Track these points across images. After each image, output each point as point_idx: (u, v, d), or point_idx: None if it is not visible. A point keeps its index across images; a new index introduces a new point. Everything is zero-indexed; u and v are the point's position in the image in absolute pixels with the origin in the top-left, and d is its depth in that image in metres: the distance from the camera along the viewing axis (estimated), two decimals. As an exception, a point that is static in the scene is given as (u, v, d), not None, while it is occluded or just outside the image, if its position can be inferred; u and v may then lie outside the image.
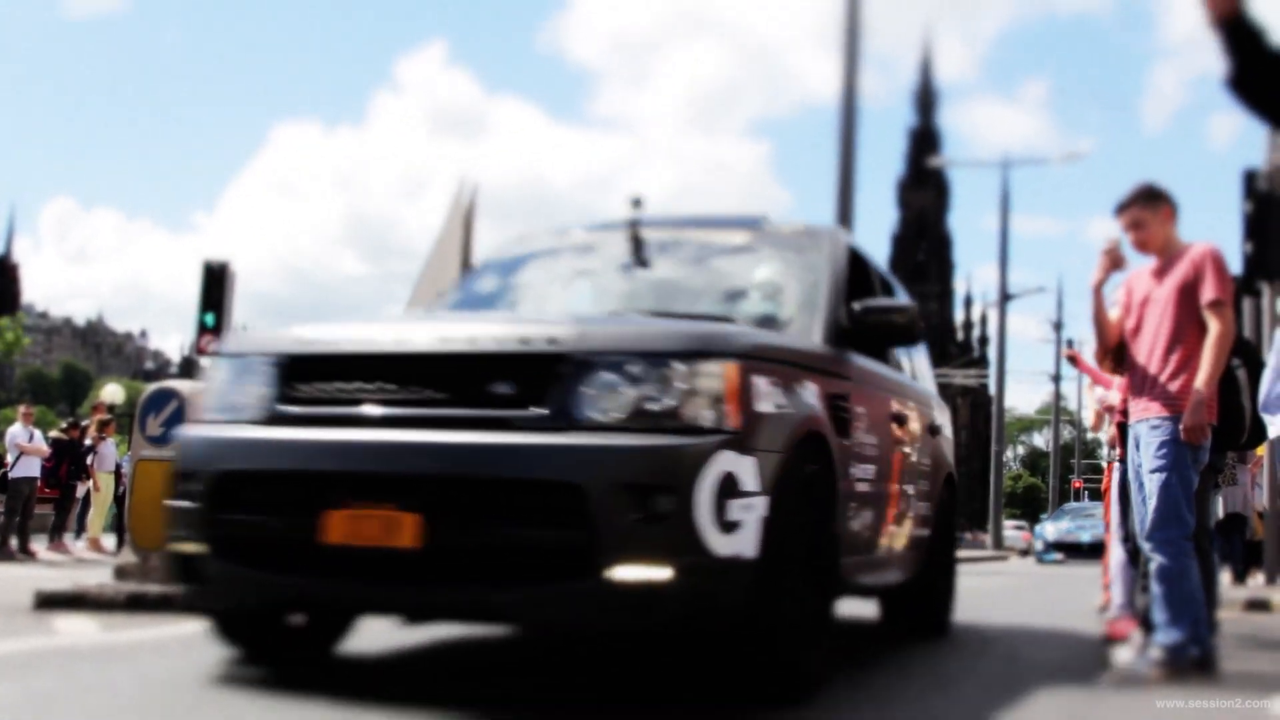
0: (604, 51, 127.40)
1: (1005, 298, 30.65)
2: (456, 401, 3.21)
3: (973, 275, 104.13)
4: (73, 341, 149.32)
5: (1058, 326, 39.45)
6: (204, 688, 3.44)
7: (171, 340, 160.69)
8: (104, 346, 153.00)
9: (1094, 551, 20.22)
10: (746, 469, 3.13)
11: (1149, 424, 4.32)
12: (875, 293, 4.95)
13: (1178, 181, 5.19)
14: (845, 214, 15.47)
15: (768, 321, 4.23)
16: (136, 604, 5.66)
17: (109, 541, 14.95)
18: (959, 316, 71.87)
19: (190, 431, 3.61)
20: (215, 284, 13.33)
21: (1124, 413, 4.79)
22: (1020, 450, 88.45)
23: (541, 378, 3.15)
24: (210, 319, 13.21)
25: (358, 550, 3.13)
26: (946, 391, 66.34)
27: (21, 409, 14.20)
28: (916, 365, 5.80)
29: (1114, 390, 5.57)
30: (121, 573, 6.26)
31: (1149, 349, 4.39)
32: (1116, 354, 4.61)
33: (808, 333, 4.15)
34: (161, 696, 3.35)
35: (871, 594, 5.38)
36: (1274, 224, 9.70)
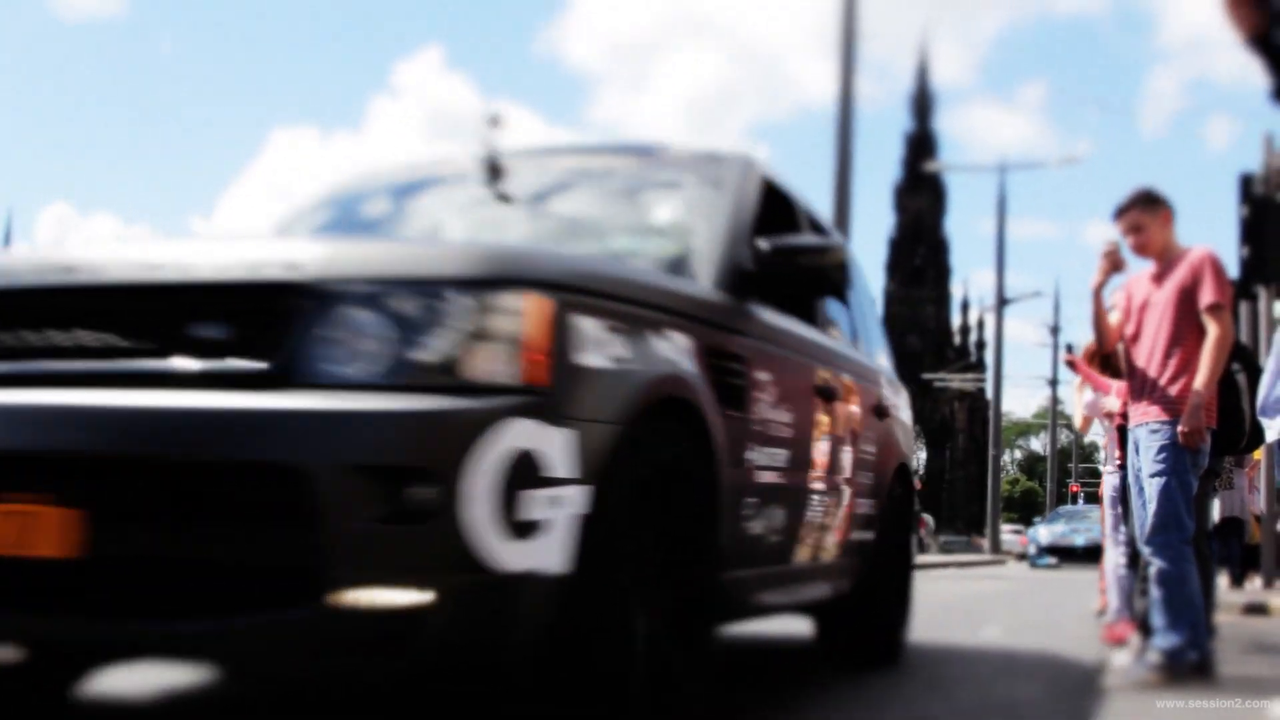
0: (602, 56, 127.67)
1: (1002, 302, 30.67)
2: (154, 351, 2.27)
3: (970, 279, 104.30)
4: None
5: (1055, 331, 39.52)
6: None
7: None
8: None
9: (1088, 555, 20.12)
10: (554, 446, 2.24)
11: (1148, 428, 4.32)
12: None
13: (1174, 185, 5.23)
14: (842, 217, 15.53)
15: (652, 263, 3.27)
16: None
17: None
18: (956, 321, 71.89)
19: None
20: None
21: (1124, 416, 4.80)
22: (1018, 454, 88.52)
23: (272, 317, 2.23)
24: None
25: None
26: (944, 396, 66.53)
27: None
28: (866, 332, 4.82)
29: (1112, 396, 5.57)
30: None
31: (1148, 353, 4.39)
32: (1103, 359, 4.62)
33: (689, 272, 3.19)
34: None
35: (792, 612, 4.26)
36: (1270, 228, 9.71)
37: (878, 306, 6.09)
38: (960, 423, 69.13)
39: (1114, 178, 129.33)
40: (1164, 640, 4.23)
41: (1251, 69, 3.24)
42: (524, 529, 2.18)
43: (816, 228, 4.27)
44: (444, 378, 2.18)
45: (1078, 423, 6.86)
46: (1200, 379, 4.20)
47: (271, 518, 2.08)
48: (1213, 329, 4.24)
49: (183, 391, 2.19)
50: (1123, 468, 5.05)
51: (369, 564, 2.07)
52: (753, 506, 3.18)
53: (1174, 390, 4.28)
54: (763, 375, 3.22)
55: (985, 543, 32.68)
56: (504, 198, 3.75)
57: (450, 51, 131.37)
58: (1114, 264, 4.46)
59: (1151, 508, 4.24)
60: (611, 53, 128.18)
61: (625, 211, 3.67)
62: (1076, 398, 6.87)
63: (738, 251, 3.30)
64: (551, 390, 2.27)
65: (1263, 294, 11.18)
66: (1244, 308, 11.28)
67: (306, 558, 2.06)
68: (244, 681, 3.63)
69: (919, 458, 65.40)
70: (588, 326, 2.41)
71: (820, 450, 3.76)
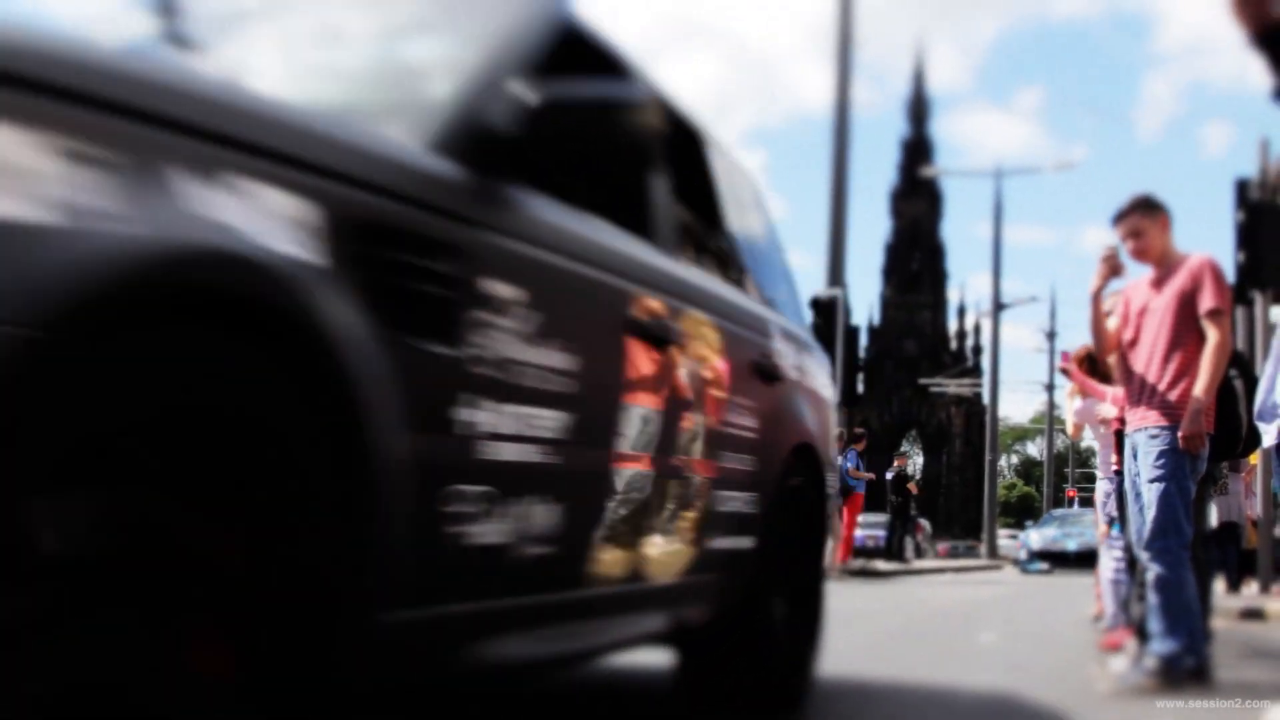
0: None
1: (999, 307, 30.72)
2: None
3: (966, 284, 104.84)
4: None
5: (1051, 336, 39.53)
6: None
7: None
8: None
9: (1081, 561, 19.45)
10: None
11: (1147, 433, 4.32)
12: None
13: (1170, 190, 5.23)
14: (839, 222, 15.54)
15: (384, 114, 2.08)
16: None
17: None
18: (952, 326, 71.99)
19: None
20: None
21: (1121, 421, 4.80)
22: (1014, 459, 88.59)
23: None
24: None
25: None
26: (941, 401, 66.46)
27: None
28: (758, 268, 3.66)
29: (1107, 402, 5.57)
30: None
31: (1147, 358, 4.39)
32: (1093, 364, 4.63)
33: (392, 125, 2.03)
34: None
35: (600, 656, 3.03)
36: (1266, 233, 9.74)
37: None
38: (957, 428, 69.18)
39: (1110, 183, 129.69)
40: (1161, 646, 4.23)
41: (1247, 74, 3.26)
42: None
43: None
44: None
45: (1069, 429, 6.87)
46: (1200, 384, 4.20)
47: None
48: (1212, 334, 4.24)
49: None
50: (1119, 473, 5.04)
51: None
52: (476, 499, 2.01)
53: (1173, 395, 4.27)
54: (507, 291, 2.08)
55: (983, 547, 32.70)
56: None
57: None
58: (1113, 269, 4.46)
59: (1150, 513, 4.24)
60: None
61: (363, 50, 2.48)
62: (1068, 404, 6.88)
63: (482, 103, 2.19)
64: None
65: (1259, 299, 11.19)
66: (1240, 313, 11.29)
67: None
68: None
69: (915, 463, 65.35)
70: (14, 144, 1.25)
71: (638, 418, 2.57)
